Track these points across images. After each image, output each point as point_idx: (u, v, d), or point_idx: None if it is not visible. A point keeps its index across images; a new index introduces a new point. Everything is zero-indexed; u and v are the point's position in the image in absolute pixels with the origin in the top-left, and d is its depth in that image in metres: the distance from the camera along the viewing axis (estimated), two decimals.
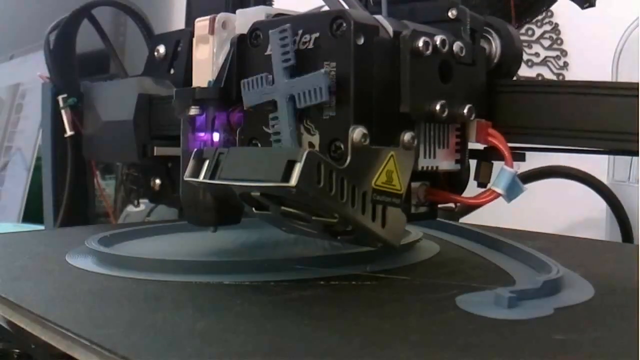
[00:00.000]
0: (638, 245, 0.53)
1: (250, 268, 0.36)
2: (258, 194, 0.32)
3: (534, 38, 0.91)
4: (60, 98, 0.64)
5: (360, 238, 0.34)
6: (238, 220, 0.39)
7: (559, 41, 0.90)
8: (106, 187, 0.82)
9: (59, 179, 0.66)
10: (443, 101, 0.34)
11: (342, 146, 0.32)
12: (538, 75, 0.92)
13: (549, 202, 0.75)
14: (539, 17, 0.79)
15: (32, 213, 0.94)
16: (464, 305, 0.29)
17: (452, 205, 0.37)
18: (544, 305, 0.29)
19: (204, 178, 0.33)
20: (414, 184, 0.36)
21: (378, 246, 0.34)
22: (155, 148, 0.54)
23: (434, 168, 0.36)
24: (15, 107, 1.10)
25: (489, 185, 0.36)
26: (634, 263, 0.41)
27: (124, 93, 0.56)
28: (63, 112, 0.64)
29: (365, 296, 0.32)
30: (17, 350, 0.34)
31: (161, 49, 0.54)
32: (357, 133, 0.31)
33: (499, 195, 0.35)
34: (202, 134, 0.38)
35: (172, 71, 0.53)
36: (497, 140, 0.36)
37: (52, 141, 0.66)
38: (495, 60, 0.37)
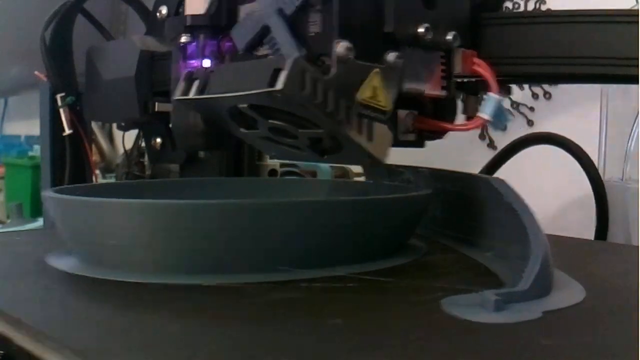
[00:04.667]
0: (639, 246, 0.52)
1: (230, 268, 0.35)
2: (246, 105, 0.33)
3: None
4: (58, 97, 0.64)
5: (346, 155, 0.35)
6: (228, 146, 0.41)
7: None
8: None
9: (57, 178, 0.66)
10: (427, 24, 0.35)
11: (327, 60, 0.33)
12: None
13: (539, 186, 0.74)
14: None
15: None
16: (449, 308, 0.29)
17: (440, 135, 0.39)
18: (533, 309, 0.29)
19: (194, 95, 0.34)
20: (402, 112, 0.37)
21: (366, 162, 0.35)
22: (156, 104, 0.54)
23: (420, 91, 0.37)
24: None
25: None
26: (627, 264, 0.41)
27: (125, 51, 0.56)
28: (61, 110, 0.64)
29: (348, 299, 0.31)
30: (2, 352, 0.33)
31: (163, 9, 0.54)
32: (342, 46, 0.32)
33: (486, 121, 0.36)
34: (193, 62, 0.39)
35: None
36: (482, 68, 0.37)
37: (51, 140, 0.66)
38: None
